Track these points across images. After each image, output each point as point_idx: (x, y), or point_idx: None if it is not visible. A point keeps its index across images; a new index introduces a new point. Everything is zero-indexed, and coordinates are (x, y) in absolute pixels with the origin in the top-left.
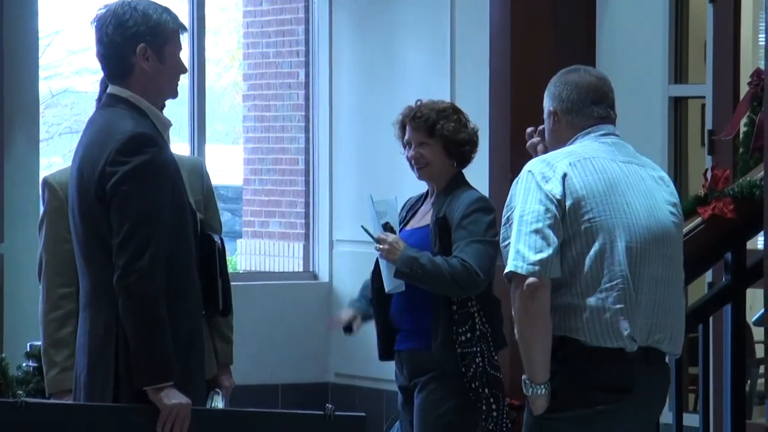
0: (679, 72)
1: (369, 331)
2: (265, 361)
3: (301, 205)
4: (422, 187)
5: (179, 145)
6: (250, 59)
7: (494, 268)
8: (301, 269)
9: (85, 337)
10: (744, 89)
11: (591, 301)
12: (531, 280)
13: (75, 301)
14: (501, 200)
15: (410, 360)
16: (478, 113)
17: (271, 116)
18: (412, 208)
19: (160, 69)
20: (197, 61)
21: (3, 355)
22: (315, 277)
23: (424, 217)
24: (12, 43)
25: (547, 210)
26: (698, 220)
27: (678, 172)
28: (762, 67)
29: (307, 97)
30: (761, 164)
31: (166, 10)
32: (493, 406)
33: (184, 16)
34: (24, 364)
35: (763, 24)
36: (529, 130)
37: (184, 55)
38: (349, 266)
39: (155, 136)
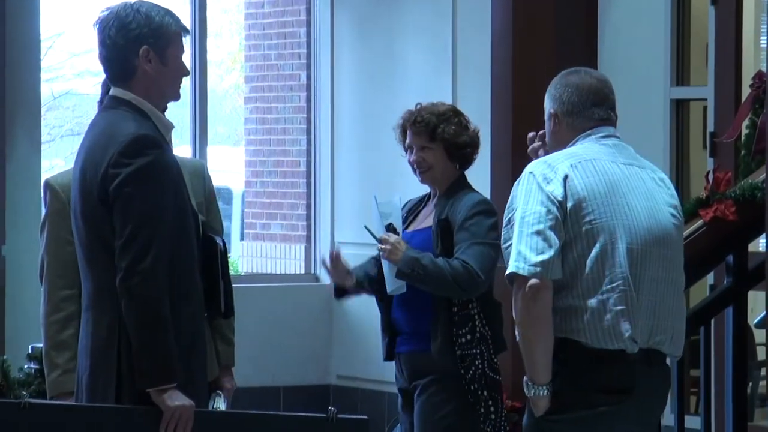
0: (680, 74)
1: (370, 333)
2: (267, 363)
3: (303, 207)
4: (424, 188)
5: (181, 148)
6: (251, 61)
7: (495, 270)
8: (302, 271)
9: (88, 339)
10: (746, 91)
11: (592, 302)
12: (533, 281)
13: (77, 303)
14: (502, 202)
15: (410, 362)
16: (479, 115)
17: (273, 118)
18: (413, 210)
19: (163, 71)
20: (199, 64)
21: (4, 357)
22: (317, 279)
23: (425, 219)
24: (14, 45)
25: (549, 211)
26: (700, 222)
27: (679, 174)
28: (764, 69)
29: (308, 100)
30: (763, 166)
31: (169, 12)
32: (492, 409)
33: (185, 18)
34: (25, 366)
35: (765, 26)
36: (530, 135)
37: (186, 58)
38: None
39: (158, 138)
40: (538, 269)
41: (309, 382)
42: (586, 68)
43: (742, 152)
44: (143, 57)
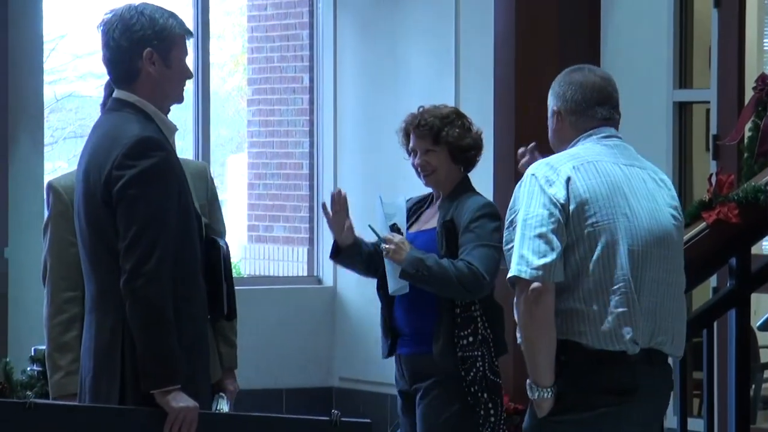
0: (683, 77)
1: (372, 335)
2: (270, 365)
3: (306, 209)
4: (427, 190)
5: (183, 150)
6: (254, 64)
7: (498, 272)
8: (305, 274)
9: (91, 340)
10: (749, 94)
11: (593, 305)
12: (535, 284)
13: (80, 305)
14: (505, 204)
15: (411, 364)
16: (482, 117)
17: (276, 121)
18: (415, 211)
19: (166, 74)
20: (202, 66)
21: (8, 359)
22: (319, 281)
23: (429, 221)
24: (17, 47)
25: (551, 214)
26: (703, 224)
27: (682, 176)
28: (767, 71)
29: (311, 102)
30: (766, 169)
31: (173, 14)
32: (492, 412)
33: (188, 21)
34: (28, 368)
35: None
36: (520, 150)
37: (189, 60)
38: None
39: (162, 140)
40: (540, 273)
41: (311, 385)
42: (590, 66)
43: (745, 155)
44: (147, 59)
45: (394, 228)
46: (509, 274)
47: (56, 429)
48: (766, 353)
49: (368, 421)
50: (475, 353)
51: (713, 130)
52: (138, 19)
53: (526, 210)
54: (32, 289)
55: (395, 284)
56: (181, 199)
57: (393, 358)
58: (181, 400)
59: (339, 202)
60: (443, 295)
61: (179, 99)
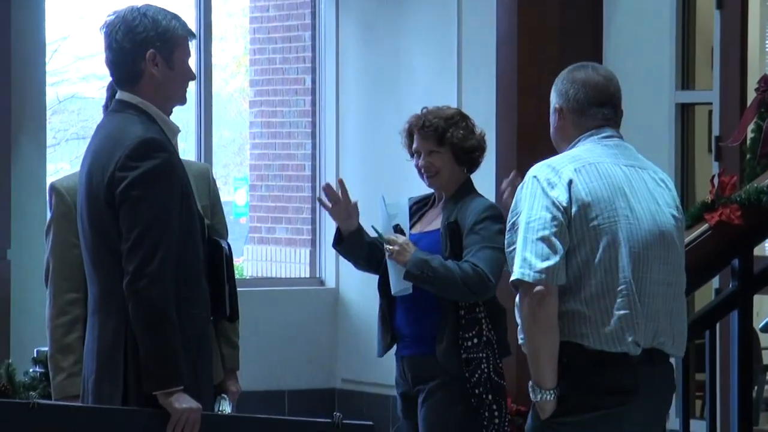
0: (686, 78)
1: (375, 336)
2: (272, 366)
3: (308, 211)
4: (429, 190)
5: (186, 152)
6: (256, 65)
7: (502, 274)
8: (307, 275)
9: (94, 342)
10: (751, 95)
11: (595, 307)
12: (538, 287)
13: (82, 306)
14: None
15: (414, 366)
16: (484, 118)
17: (278, 122)
18: (417, 212)
19: (169, 75)
20: (204, 67)
21: (10, 360)
22: (322, 283)
23: (432, 222)
24: (19, 49)
25: (554, 217)
26: (705, 226)
27: (685, 178)
28: None
29: (313, 103)
30: None
31: (175, 16)
32: (496, 413)
33: (191, 22)
34: (31, 370)
35: None
36: (503, 185)
37: (191, 61)
38: (355, 272)
39: (164, 142)
40: (543, 276)
41: (314, 386)
42: (593, 63)
43: (748, 156)
44: (150, 61)
45: (397, 229)
46: (512, 277)
47: (59, 429)
48: None
49: (371, 423)
50: (480, 355)
51: (716, 132)
52: (141, 20)
53: (529, 213)
54: (35, 291)
55: (398, 285)
56: (183, 200)
57: (394, 360)
58: (183, 401)
59: (337, 191)
60: (447, 296)
61: (182, 100)
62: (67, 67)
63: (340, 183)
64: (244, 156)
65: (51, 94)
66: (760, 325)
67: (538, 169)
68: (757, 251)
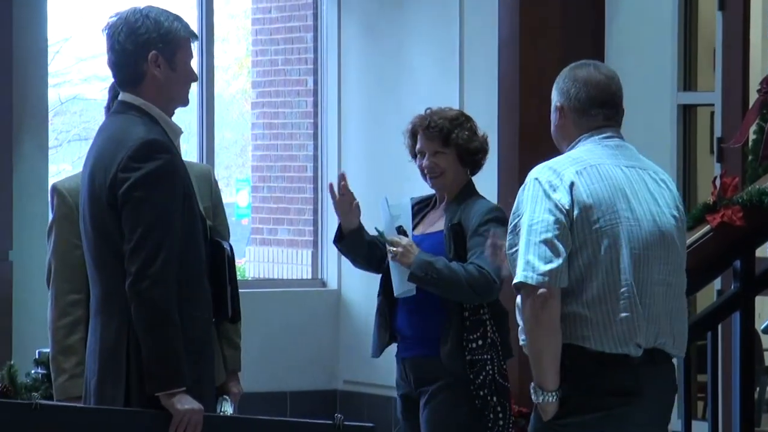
0: (688, 79)
1: None
2: (274, 368)
3: (310, 212)
4: (430, 191)
5: (187, 153)
6: (258, 67)
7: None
8: (309, 276)
9: (96, 343)
10: (753, 97)
11: (597, 309)
12: (541, 290)
13: (84, 307)
14: (509, 208)
15: (417, 367)
16: (486, 119)
17: (280, 123)
18: (417, 213)
19: (172, 76)
20: (206, 69)
21: (12, 362)
22: (323, 284)
23: (435, 223)
24: (21, 50)
25: (556, 220)
26: (707, 227)
27: (687, 179)
28: None
29: (315, 105)
30: None
31: (178, 18)
32: (500, 415)
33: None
34: (33, 371)
35: None
36: (488, 242)
37: (193, 63)
38: (357, 273)
39: (167, 143)
40: (546, 278)
41: (316, 387)
42: (595, 62)
43: (750, 157)
44: (152, 62)
45: (400, 230)
46: (515, 280)
47: (61, 430)
48: None
49: (372, 425)
50: (485, 356)
51: (717, 133)
52: (143, 22)
53: (531, 215)
54: (36, 292)
55: (401, 287)
56: (185, 201)
57: (395, 361)
58: (186, 403)
59: (344, 185)
60: (451, 298)
61: (184, 102)
62: (69, 68)
63: (342, 177)
64: (246, 157)
65: (53, 96)
66: (762, 327)
67: (540, 171)
68: (758, 253)
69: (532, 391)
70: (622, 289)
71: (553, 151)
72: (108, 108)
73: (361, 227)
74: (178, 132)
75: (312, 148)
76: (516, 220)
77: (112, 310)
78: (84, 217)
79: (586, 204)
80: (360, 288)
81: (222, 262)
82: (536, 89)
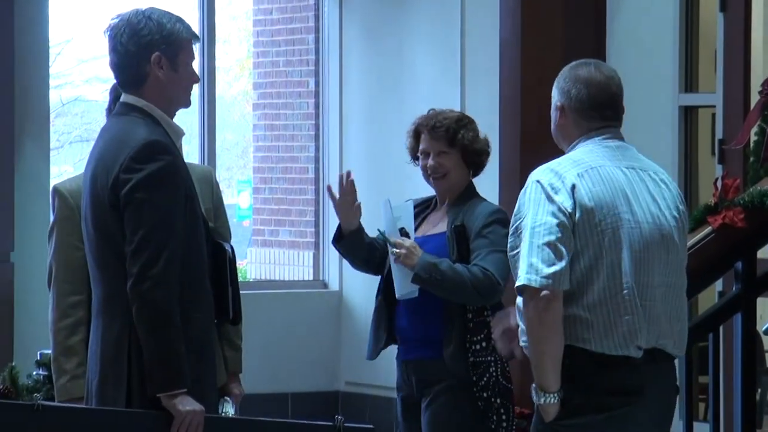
0: (689, 81)
1: None
2: (275, 369)
3: (311, 213)
4: (432, 192)
5: (189, 155)
6: (260, 68)
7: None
8: (311, 278)
9: (98, 344)
10: (754, 98)
11: (598, 312)
12: (545, 292)
13: (85, 308)
14: (510, 210)
15: (419, 369)
16: (488, 120)
17: (281, 125)
18: (418, 215)
19: (174, 78)
20: (207, 70)
21: (13, 363)
22: (325, 285)
23: (437, 225)
24: (22, 51)
25: (559, 223)
26: (708, 229)
27: (688, 181)
28: None
29: (317, 106)
30: None
31: (180, 19)
32: (504, 417)
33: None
34: (34, 373)
35: None
36: (498, 329)
37: (195, 64)
38: (359, 275)
39: (169, 144)
40: (550, 281)
41: (317, 389)
42: (596, 61)
43: (751, 159)
44: (155, 63)
45: (402, 232)
46: (519, 282)
47: (63, 431)
48: None
49: (371, 426)
50: (488, 358)
51: (719, 135)
52: (146, 23)
53: (534, 217)
54: (38, 294)
55: (403, 289)
56: (187, 203)
57: (395, 363)
58: (187, 404)
59: (347, 184)
60: (455, 300)
61: (186, 103)
62: (71, 69)
63: (347, 175)
64: (247, 159)
65: (54, 97)
66: (764, 328)
67: (541, 174)
68: (760, 254)
69: (533, 392)
70: (623, 292)
71: (554, 152)
72: (109, 110)
73: (360, 228)
74: (180, 133)
75: (313, 150)
76: (517, 222)
77: (113, 311)
78: (86, 218)
79: (587, 207)
80: (361, 289)
81: (223, 263)
82: (537, 90)
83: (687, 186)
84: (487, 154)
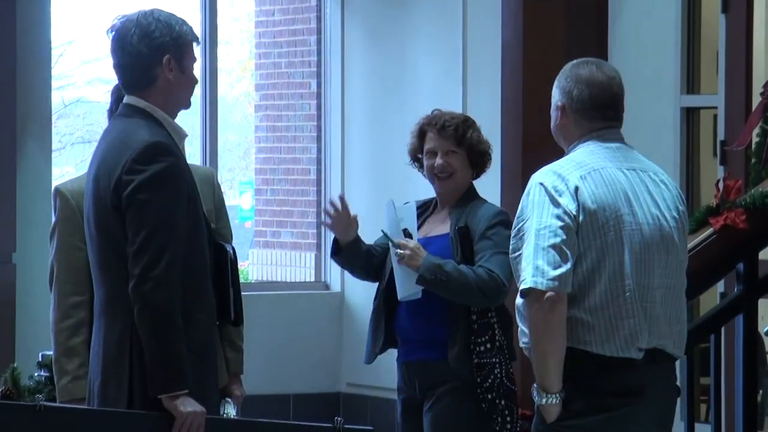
0: (691, 82)
1: None
2: (277, 371)
3: (313, 215)
4: (433, 194)
5: (191, 156)
6: (262, 69)
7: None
8: (312, 279)
9: (100, 345)
10: (756, 99)
11: (599, 315)
12: (550, 294)
13: (86, 309)
14: (512, 212)
15: (422, 371)
16: (490, 122)
17: (283, 126)
18: (419, 216)
19: (182, 80)
20: (209, 71)
21: (15, 364)
22: (327, 287)
23: (440, 227)
24: (25, 53)
25: (563, 225)
26: (710, 230)
27: (690, 182)
28: None
29: (319, 107)
30: None
31: (184, 21)
32: (508, 418)
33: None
34: (36, 374)
35: None
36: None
37: (196, 66)
38: None
39: (171, 146)
40: (556, 284)
41: (319, 390)
42: (598, 60)
43: (753, 160)
44: (166, 66)
45: (406, 233)
46: (525, 285)
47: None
48: None
49: (371, 428)
50: (493, 360)
51: (721, 136)
52: (156, 25)
53: (538, 220)
54: (39, 294)
55: (406, 290)
56: (190, 204)
57: (396, 365)
58: (188, 405)
59: (342, 206)
60: (460, 301)
61: (187, 105)
62: (73, 71)
63: (341, 199)
64: (249, 160)
65: (56, 98)
66: (765, 329)
67: (544, 176)
68: (762, 255)
69: (534, 393)
70: (625, 295)
71: (556, 154)
72: (110, 111)
73: (357, 238)
74: (182, 135)
75: (315, 151)
76: (520, 225)
77: (115, 312)
78: (88, 219)
79: (590, 209)
80: (363, 291)
81: (225, 265)
82: (539, 91)
83: (689, 187)
84: (490, 156)
